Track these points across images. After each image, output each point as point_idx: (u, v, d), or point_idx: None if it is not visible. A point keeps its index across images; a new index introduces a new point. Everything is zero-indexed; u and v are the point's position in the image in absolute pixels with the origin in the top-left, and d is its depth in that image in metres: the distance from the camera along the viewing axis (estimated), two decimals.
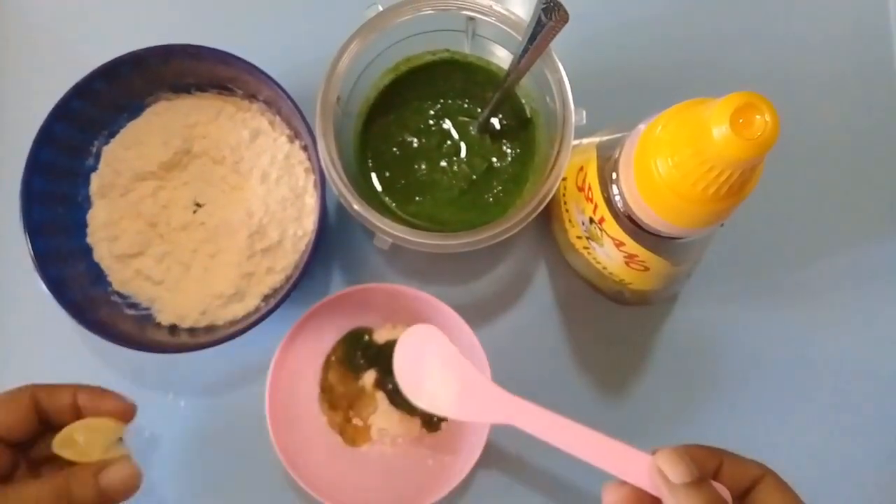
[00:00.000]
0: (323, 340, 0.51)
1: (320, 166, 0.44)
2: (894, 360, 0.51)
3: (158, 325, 0.50)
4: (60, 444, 0.40)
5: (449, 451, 0.49)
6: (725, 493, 0.33)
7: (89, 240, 0.50)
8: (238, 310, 0.50)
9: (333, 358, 0.51)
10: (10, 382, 0.52)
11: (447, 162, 0.50)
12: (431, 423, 0.50)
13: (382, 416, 0.50)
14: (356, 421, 0.50)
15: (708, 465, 0.34)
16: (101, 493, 0.37)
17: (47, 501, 0.36)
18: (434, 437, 0.50)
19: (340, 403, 0.50)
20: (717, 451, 0.35)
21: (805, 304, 0.52)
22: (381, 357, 0.50)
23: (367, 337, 0.51)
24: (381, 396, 0.50)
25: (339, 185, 0.44)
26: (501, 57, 0.49)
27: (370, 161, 0.51)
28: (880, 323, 0.52)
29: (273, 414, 0.47)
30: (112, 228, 0.50)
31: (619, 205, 0.38)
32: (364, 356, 0.51)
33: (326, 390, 0.50)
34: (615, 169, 0.38)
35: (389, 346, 0.50)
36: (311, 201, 0.50)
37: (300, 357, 0.49)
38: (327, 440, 0.50)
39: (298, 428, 0.48)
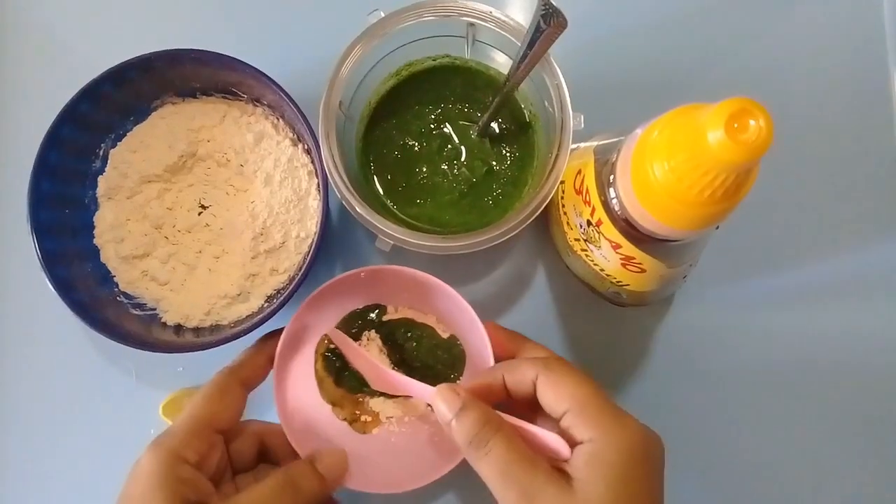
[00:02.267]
0: (319, 333, 0.49)
1: (323, 169, 0.45)
2: (893, 360, 0.52)
3: (164, 324, 0.50)
4: (166, 407, 0.51)
5: None
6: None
7: (96, 241, 0.51)
8: (242, 310, 0.50)
9: (319, 350, 0.49)
10: (17, 380, 0.54)
11: (448, 165, 0.51)
12: None
13: (379, 403, 0.49)
14: (364, 417, 0.49)
15: (494, 386, 0.37)
16: (322, 480, 0.38)
17: (280, 499, 0.36)
18: None
19: (342, 402, 0.49)
20: (496, 367, 0.39)
21: (800, 305, 0.52)
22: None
23: (371, 315, 0.50)
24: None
25: (342, 188, 0.44)
26: (501, 62, 0.50)
27: (372, 164, 0.51)
28: (877, 323, 0.52)
29: (283, 412, 0.45)
30: (118, 230, 0.51)
31: (616, 208, 0.39)
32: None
33: (323, 387, 0.49)
34: (612, 172, 0.38)
35: (390, 325, 0.50)
36: (315, 204, 0.50)
37: (298, 355, 0.48)
38: (338, 430, 0.48)
39: (309, 422, 0.47)
